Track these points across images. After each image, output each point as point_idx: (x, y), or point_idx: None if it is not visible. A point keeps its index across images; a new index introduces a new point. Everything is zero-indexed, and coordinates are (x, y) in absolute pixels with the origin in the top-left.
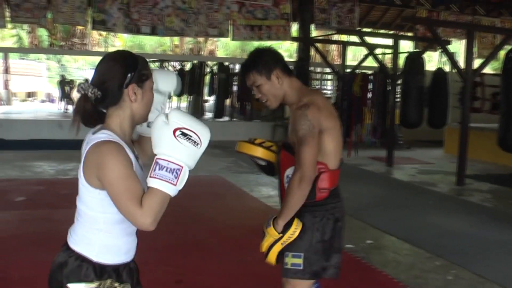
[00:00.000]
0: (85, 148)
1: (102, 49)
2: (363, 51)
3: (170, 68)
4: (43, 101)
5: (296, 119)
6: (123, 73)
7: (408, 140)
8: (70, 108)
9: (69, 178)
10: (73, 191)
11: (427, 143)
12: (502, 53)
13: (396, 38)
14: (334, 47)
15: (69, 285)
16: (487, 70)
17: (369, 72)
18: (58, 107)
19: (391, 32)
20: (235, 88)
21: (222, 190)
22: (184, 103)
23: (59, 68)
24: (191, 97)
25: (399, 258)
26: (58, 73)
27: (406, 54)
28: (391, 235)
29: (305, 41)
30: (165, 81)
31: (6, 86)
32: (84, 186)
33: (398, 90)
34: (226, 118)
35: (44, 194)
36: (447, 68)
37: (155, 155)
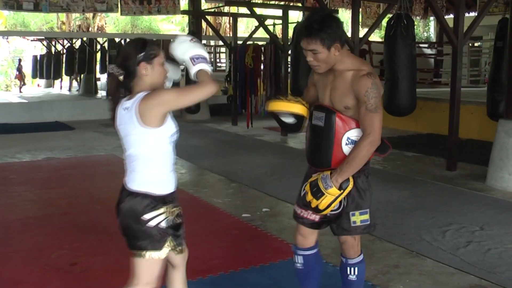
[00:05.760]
0: (131, 108)
1: None
2: (256, 22)
3: (58, 46)
4: None
5: (360, 85)
6: (135, 55)
7: None
8: None
9: None
10: None
11: None
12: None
13: (285, 9)
14: (226, 19)
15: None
16: (376, 38)
17: (261, 43)
18: None
19: (281, 3)
20: None
21: (117, 168)
22: (76, 82)
23: None
24: (83, 75)
25: (294, 224)
26: None
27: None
28: (286, 202)
29: (195, 14)
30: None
31: None
32: (142, 133)
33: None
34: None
35: None
36: None
37: None
